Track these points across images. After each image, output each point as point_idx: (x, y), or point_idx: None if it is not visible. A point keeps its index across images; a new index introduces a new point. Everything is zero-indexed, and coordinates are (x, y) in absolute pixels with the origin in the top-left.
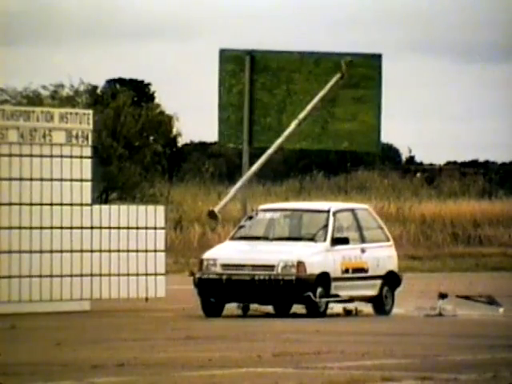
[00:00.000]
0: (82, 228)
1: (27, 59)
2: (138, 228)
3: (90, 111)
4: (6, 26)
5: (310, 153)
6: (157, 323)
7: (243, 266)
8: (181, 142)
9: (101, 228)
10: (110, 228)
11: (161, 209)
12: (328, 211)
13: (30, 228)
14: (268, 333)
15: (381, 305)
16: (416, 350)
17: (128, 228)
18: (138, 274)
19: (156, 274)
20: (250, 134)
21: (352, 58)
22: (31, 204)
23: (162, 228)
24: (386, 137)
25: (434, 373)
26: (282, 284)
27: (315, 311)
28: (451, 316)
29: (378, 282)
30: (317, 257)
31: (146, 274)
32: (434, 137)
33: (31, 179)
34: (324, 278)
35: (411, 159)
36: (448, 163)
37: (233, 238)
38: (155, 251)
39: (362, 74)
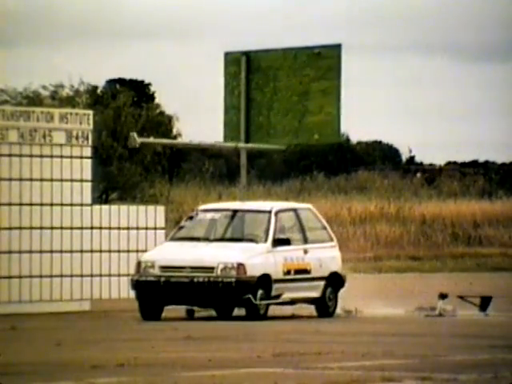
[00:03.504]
0: (82, 228)
1: (27, 59)
2: (138, 228)
3: (90, 111)
4: (6, 27)
5: (310, 153)
6: (156, 323)
7: (182, 267)
8: None
9: (101, 228)
10: (110, 228)
11: (161, 209)
12: (270, 211)
13: (30, 228)
14: (268, 333)
15: (324, 306)
16: (416, 350)
17: (128, 228)
18: None
19: None
20: (247, 133)
21: (315, 49)
22: (31, 204)
23: (162, 228)
24: (386, 137)
25: (434, 373)
26: (221, 286)
27: (255, 314)
28: (451, 316)
29: (321, 283)
30: (257, 258)
31: None
32: (434, 137)
33: (31, 179)
34: (265, 280)
35: (411, 159)
36: (448, 163)
37: (172, 239)
38: None
39: (325, 65)
